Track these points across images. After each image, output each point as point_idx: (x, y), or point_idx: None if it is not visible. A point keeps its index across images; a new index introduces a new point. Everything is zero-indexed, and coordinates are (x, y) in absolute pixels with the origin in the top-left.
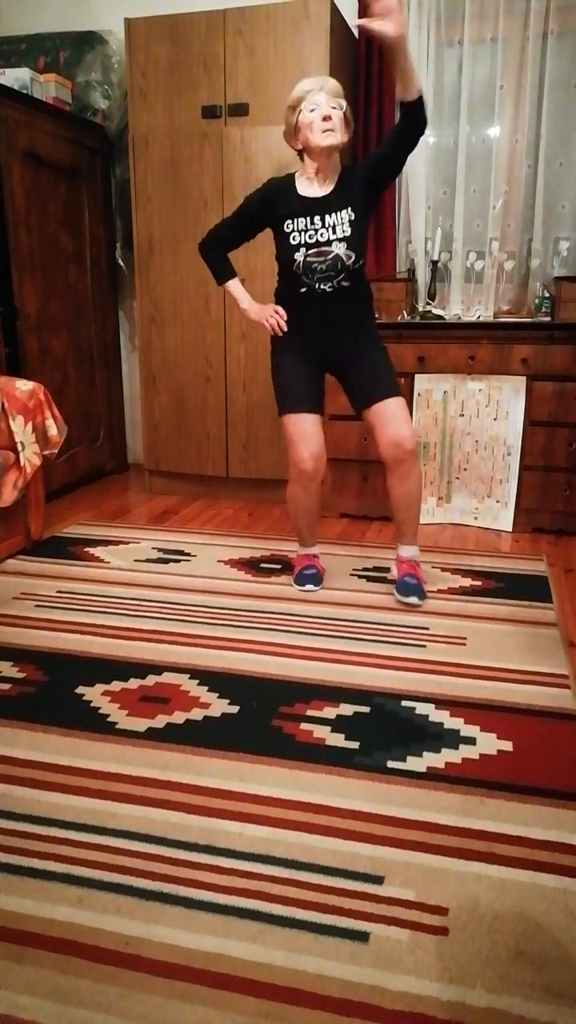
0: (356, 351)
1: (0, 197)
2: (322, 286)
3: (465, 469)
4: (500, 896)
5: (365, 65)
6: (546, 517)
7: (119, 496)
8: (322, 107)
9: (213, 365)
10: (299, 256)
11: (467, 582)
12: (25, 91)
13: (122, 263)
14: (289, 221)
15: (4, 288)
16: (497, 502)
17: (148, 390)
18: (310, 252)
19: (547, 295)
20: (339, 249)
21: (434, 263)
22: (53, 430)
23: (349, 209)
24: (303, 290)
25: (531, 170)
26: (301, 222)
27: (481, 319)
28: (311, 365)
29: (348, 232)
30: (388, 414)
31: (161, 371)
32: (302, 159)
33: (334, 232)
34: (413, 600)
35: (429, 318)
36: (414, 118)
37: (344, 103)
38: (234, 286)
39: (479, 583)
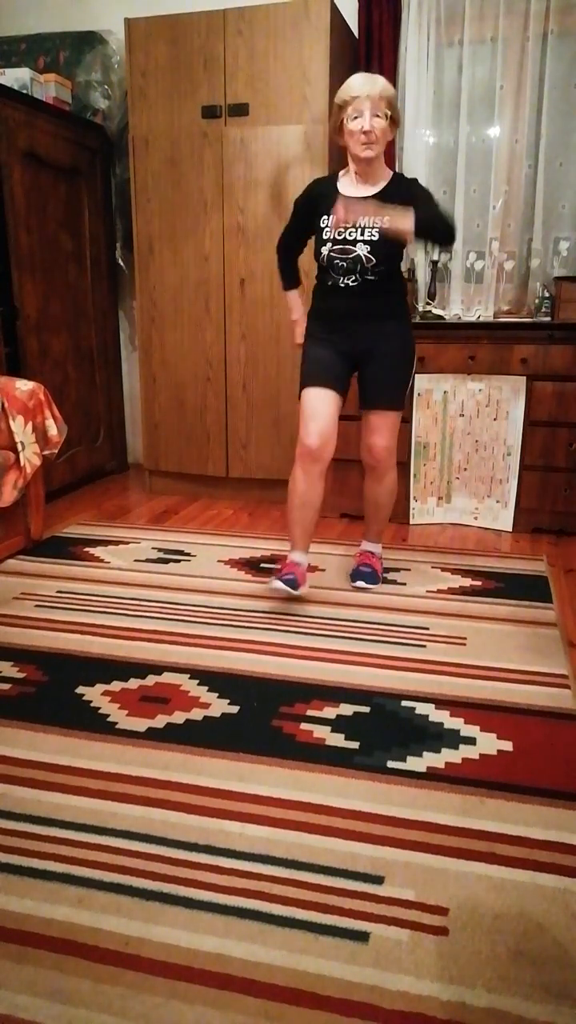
0: (376, 349)
1: (0, 197)
2: (345, 280)
3: (465, 469)
4: (500, 896)
5: (365, 65)
6: (546, 517)
7: (119, 496)
8: (365, 118)
9: (213, 365)
10: (325, 250)
11: (467, 582)
12: (25, 91)
13: (122, 263)
14: (325, 216)
15: (4, 288)
16: (497, 502)
17: (148, 390)
18: (334, 248)
19: (547, 295)
20: (362, 251)
21: (434, 263)
22: (53, 430)
23: (383, 218)
24: (329, 283)
25: (531, 170)
26: (334, 219)
27: (481, 319)
28: (337, 354)
29: (375, 237)
30: (375, 424)
31: (161, 371)
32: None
33: (362, 234)
34: (360, 584)
35: (429, 318)
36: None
37: (389, 111)
38: (292, 296)
39: (479, 583)
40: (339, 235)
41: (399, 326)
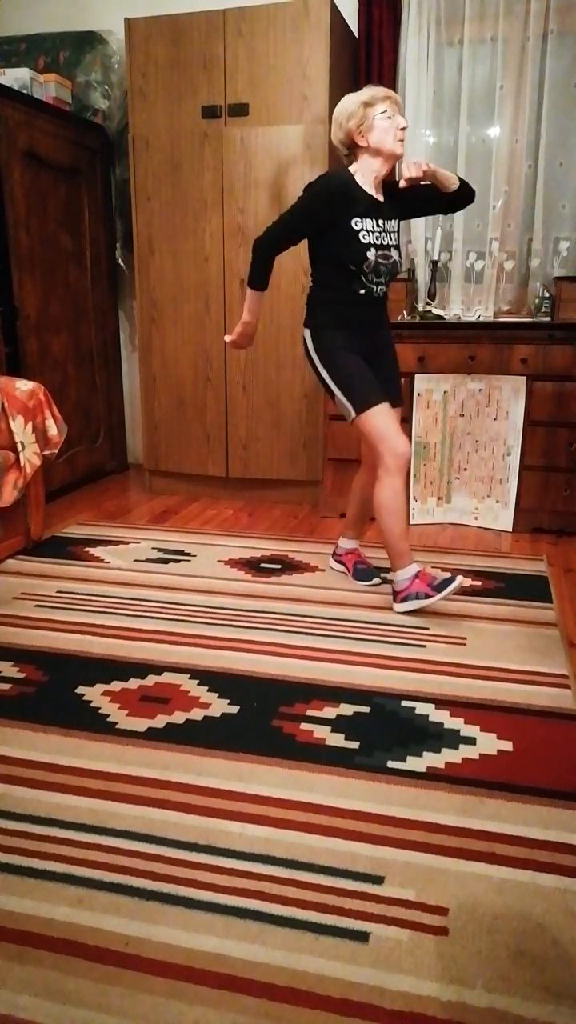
0: (381, 353)
1: (0, 197)
2: (378, 289)
3: (465, 469)
4: (500, 896)
5: (365, 65)
6: (546, 517)
7: (119, 496)
8: (398, 119)
9: (213, 365)
10: (371, 255)
11: (467, 582)
12: (25, 91)
13: (122, 263)
14: (358, 219)
15: (4, 288)
16: (497, 502)
17: (148, 390)
18: (379, 253)
19: (547, 295)
20: (395, 255)
21: (434, 263)
22: (53, 430)
23: (397, 221)
24: (362, 292)
25: (531, 170)
26: (369, 223)
27: (481, 319)
28: (362, 358)
29: (397, 242)
30: (397, 420)
31: (161, 371)
32: (353, 157)
33: (390, 239)
34: (376, 581)
35: (429, 318)
36: (462, 199)
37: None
38: (257, 298)
39: (479, 583)
40: (377, 240)
41: (390, 332)
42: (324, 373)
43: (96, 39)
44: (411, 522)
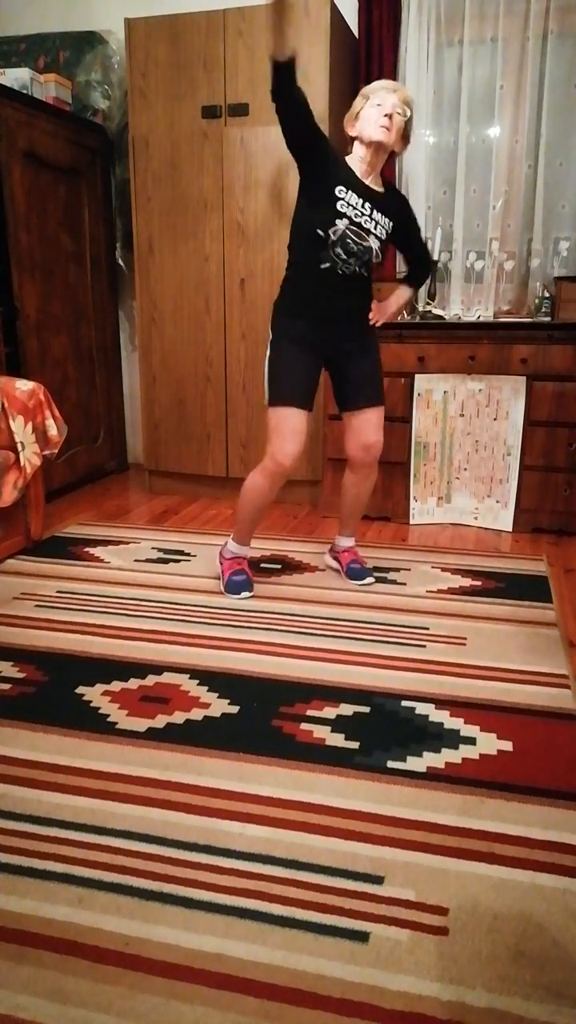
0: (354, 350)
1: (0, 197)
2: (344, 267)
3: (465, 469)
4: (500, 896)
5: (365, 65)
6: (546, 517)
7: (119, 496)
8: (386, 106)
9: (213, 365)
10: (340, 224)
11: (467, 582)
12: (25, 91)
13: (122, 263)
14: (342, 188)
15: (4, 288)
16: (497, 502)
17: (148, 390)
18: (351, 227)
19: (547, 295)
20: (374, 244)
21: (434, 263)
22: (53, 430)
23: (390, 221)
24: (325, 265)
25: (531, 170)
26: (353, 198)
27: (481, 319)
28: (311, 356)
29: (383, 236)
30: (368, 421)
31: (161, 371)
32: (351, 146)
33: (375, 228)
34: (369, 581)
35: (429, 318)
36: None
37: (410, 112)
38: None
39: (479, 583)
40: (355, 216)
41: (369, 328)
42: (267, 353)
43: (96, 39)
44: (411, 522)
